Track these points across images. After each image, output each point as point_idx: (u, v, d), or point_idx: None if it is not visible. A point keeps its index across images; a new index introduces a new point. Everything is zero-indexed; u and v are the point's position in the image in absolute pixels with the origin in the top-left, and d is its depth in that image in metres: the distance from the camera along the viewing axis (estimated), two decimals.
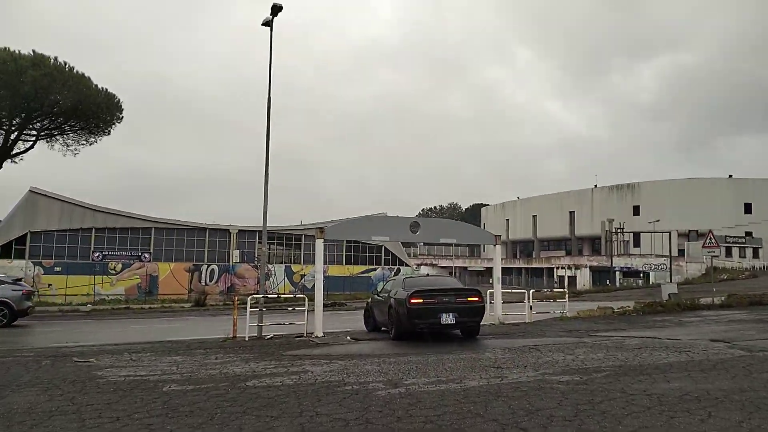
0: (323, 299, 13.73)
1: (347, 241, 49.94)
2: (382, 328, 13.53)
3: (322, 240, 13.00)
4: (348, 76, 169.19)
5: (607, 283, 57.83)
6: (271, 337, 12.75)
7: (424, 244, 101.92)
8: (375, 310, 13.94)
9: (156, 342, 12.33)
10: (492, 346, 10.67)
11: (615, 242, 61.58)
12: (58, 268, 39.10)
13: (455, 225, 16.85)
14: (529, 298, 15.68)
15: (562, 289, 20.70)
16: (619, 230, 61.40)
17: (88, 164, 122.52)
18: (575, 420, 4.89)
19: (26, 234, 38.28)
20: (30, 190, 38.78)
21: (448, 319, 11.46)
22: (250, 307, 12.60)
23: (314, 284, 13.45)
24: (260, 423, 4.95)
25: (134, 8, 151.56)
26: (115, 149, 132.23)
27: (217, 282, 44.14)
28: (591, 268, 61.99)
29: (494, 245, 15.31)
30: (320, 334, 12.63)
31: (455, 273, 78.92)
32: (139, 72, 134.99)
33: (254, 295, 13.57)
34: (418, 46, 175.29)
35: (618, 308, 17.40)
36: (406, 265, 54.37)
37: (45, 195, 39.24)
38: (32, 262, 38.41)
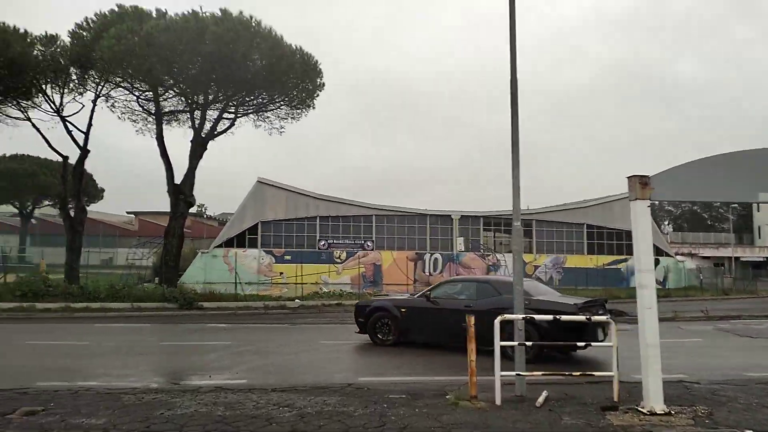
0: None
1: (588, 226, 42.03)
2: (400, 339, 11.31)
3: (648, 201, 6.26)
4: (557, 58, 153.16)
5: None
6: (545, 402, 6.40)
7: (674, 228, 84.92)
8: (422, 319, 11.12)
9: (324, 389, 6.88)
10: None
11: None
12: (288, 257, 38.89)
13: None
14: None
15: None
16: None
17: (306, 156, 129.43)
18: None
19: (257, 224, 38.65)
20: (258, 181, 39.19)
21: (600, 335, 9.80)
22: (502, 339, 6.38)
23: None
24: None
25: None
26: (338, 143, 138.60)
27: (441, 272, 40.02)
28: None
29: None
30: (660, 408, 5.80)
31: (725, 264, 62.92)
32: (354, 64, 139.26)
33: (508, 316, 7.06)
34: (645, 11, 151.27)
35: None
36: (666, 254, 43.23)
37: (272, 185, 39.45)
38: (264, 251, 38.69)
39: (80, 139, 24.17)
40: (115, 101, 24.71)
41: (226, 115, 24.72)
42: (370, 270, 38.75)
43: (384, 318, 11.52)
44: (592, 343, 8.45)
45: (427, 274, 39.33)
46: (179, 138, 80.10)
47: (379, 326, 11.57)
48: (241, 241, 38.13)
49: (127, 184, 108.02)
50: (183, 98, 24.08)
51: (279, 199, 39.25)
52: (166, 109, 25.06)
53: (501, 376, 6.29)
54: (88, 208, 56.13)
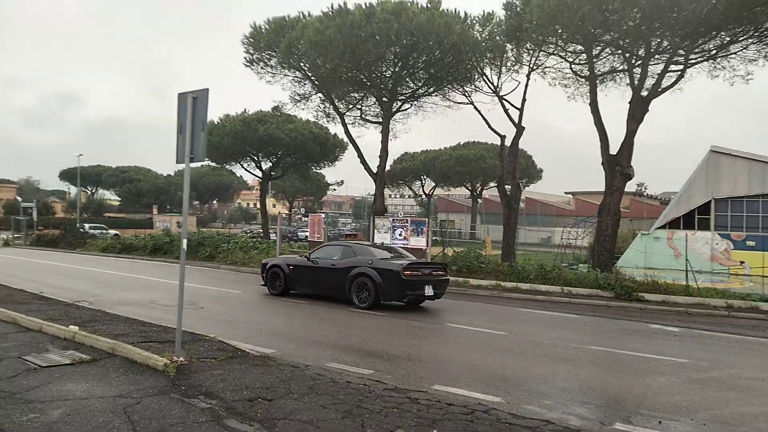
0: None
1: None
2: (291, 291, 14.60)
3: None
4: None
5: None
6: None
7: None
8: (303, 274, 14.26)
9: None
10: None
11: None
12: (751, 243, 31.48)
13: None
14: None
15: None
16: None
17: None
18: None
19: (709, 201, 32.60)
20: (711, 150, 32.90)
21: (429, 290, 12.54)
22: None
23: None
24: None
25: None
26: None
27: None
28: None
29: None
30: None
31: None
32: None
33: None
34: None
35: None
36: None
37: (730, 154, 32.50)
38: (719, 234, 32.40)
39: (515, 117, 24.38)
40: (547, 69, 23.88)
41: (672, 67, 20.62)
42: None
43: (276, 273, 14.70)
44: None
45: None
46: (614, 101, 75.97)
47: (272, 279, 14.78)
48: (688, 221, 32.77)
49: (566, 165, 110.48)
50: (619, 53, 21.12)
51: (739, 172, 32.01)
52: (600, 70, 22.71)
53: None
54: (528, 189, 59.02)
